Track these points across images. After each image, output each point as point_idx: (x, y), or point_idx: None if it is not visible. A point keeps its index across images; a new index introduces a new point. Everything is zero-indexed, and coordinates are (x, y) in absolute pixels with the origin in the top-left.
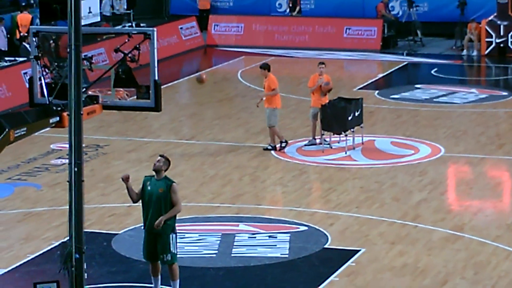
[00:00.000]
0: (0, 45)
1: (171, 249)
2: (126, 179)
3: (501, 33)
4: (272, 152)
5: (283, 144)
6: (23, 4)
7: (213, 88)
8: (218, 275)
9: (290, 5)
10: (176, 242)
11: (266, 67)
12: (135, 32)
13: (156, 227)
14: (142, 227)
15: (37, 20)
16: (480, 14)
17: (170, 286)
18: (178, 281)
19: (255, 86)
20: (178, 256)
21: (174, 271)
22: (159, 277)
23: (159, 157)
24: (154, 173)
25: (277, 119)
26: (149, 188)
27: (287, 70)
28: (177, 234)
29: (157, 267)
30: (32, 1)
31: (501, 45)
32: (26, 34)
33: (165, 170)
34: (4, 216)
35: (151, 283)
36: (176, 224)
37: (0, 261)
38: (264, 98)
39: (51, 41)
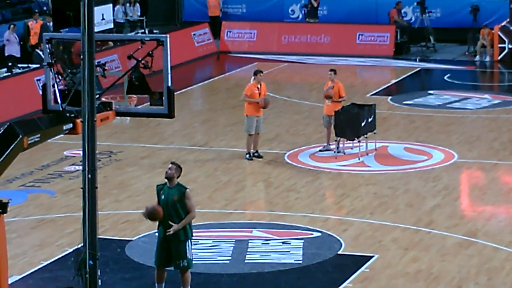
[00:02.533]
0: (13, 52)
1: (187, 255)
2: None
3: None
4: (286, 157)
5: (254, 155)
6: (36, 11)
7: (226, 95)
8: (232, 282)
9: (310, 7)
10: (192, 249)
11: (255, 72)
12: (148, 38)
13: (171, 233)
14: (156, 234)
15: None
16: (493, 19)
17: None
18: None
19: (269, 93)
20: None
21: (187, 278)
22: (163, 284)
23: (170, 165)
24: (166, 180)
25: (250, 128)
26: (162, 196)
27: (299, 76)
28: (192, 240)
29: (163, 274)
30: (45, 8)
31: None
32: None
33: (177, 177)
34: (17, 223)
35: None
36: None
37: (14, 267)
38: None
39: (64, 48)
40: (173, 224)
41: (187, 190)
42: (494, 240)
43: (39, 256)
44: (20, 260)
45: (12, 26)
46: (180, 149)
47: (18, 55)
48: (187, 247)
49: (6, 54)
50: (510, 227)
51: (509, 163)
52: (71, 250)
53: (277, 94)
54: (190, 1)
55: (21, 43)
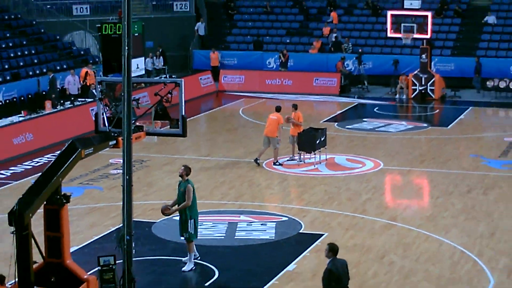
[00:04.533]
0: (73, 91)
1: (189, 230)
2: (164, 211)
3: (423, 83)
4: (264, 165)
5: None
6: (90, 61)
7: (222, 122)
8: (226, 252)
9: (283, 60)
10: (194, 226)
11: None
12: (169, 81)
13: (164, 213)
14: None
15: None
16: (408, 69)
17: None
18: (192, 254)
19: (253, 120)
20: (198, 238)
21: (189, 246)
22: (191, 254)
23: (182, 166)
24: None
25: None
26: (178, 188)
27: (274, 108)
28: (196, 220)
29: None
30: (97, 59)
31: (423, 91)
32: (92, 83)
33: (187, 175)
34: (76, 210)
35: (181, 257)
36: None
37: (74, 241)
38: None
39: (110, 88)
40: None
41: (188, 185)
42: (408, 224)
43: (91, 233)
44: (78, 236)
45: (72, 71)
46: (190, 159)
47: (76, 93)
48: (188, 225)
49: (68, 93)
50: (420, 215)
51: (419, 170)
52: (114, 229)
53: (258, 120)
54: (198, 56)
55: (80, 83)
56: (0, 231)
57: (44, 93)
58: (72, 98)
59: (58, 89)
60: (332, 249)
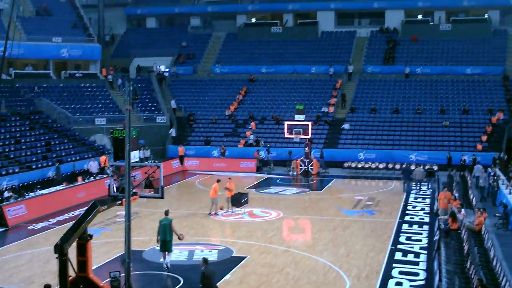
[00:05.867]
0: (94, 170)
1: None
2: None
3: (306, 165)
4: (210, 216)
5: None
6: (106, 152)
7: (185, 189)
8: (187, 268)
9: (222, 151)
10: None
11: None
12: (153, 165)
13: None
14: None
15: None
16: (297, 156)
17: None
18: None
19: (204, 188)
20: (170, 259)
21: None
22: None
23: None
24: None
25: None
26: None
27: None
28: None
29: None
30: (110, 151)
31: (306, 169)
32: (106, 165)
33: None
34: (96, 243)
35: (161, 272)
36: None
37: (94, 262)
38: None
39: (118, 170)
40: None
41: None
42: (298, 249)
43: (105, 257)
44: (97, 259)
45: (93, 159)
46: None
47: (96, 171)
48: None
49: (90, 171)
50: (305, 243)
51: (304, 216)
52: (119, 254)
53: (207, 188)
54: (171, 149)
55: (100, 166)
56: (50, 257)
57: (77, 172)
58: (94, 175)
59: (62, 174)
60: (205, 261)
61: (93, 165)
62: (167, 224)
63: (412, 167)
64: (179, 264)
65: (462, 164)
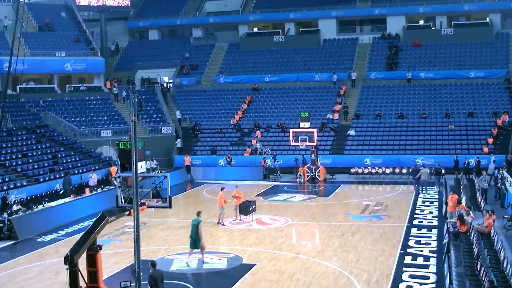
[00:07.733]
0: (91, 183)
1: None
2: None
3: (313, 171)
4: (220, 224)
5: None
6: (113, 164)
7: (193, 198)
8: (198, 276)
9: (228, 160)
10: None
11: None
12: (160, 175)
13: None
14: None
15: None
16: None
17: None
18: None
19: (211, 197)
20: (180, 268)
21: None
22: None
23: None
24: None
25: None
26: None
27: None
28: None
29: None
30: (116, 163)
31: (313, 176)
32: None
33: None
34: (106, 254)
35: (167, 280)
36: (179, 254)
37: (105, 272)
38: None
39: (124, 180)
40: None
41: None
42: (307, 255)
43: (115, 267)
44: (107, 269)
45: (92, 170)
46: (174, 221)
47: (94, 184)
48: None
49: (90, 184)
50: (314, 249)
51: (312, 223)
52: (129, 264)
53: (215, 197)
54: (177, 159)
55: (104, 177)
56: (60, 268)
57: (84, 184)
58: (95, 188)
59: (72, 185)
60: (152, 264)
61: (92, 177)
62: (195, 224)
63: (420, 168)
64: (189, 273)
65: (466, 167)
